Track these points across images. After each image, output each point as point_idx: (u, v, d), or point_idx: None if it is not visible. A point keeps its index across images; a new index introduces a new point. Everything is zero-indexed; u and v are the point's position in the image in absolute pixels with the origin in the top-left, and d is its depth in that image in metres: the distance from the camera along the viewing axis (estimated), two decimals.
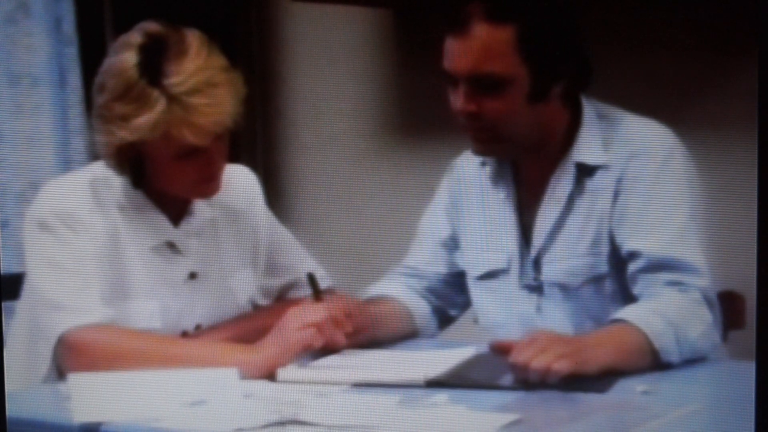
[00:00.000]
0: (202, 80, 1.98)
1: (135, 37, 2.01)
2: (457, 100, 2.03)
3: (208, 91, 1.98)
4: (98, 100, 2.02)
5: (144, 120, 1.97)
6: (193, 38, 2.01)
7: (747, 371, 1.70)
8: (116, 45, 2.03)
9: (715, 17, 2.35)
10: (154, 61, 1.98)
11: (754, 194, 1.69)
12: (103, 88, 2.01)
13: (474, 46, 2.00)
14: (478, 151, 2.12)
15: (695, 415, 1.68)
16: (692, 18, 2.37)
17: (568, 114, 2.09)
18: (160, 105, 1.97)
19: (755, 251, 1.70)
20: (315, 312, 2.02)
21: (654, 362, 1.90)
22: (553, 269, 2.10)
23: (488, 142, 2.07)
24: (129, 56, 1.99)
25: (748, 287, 1.80)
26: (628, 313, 1.93)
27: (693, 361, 1.94)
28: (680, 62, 2.40)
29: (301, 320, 1.99)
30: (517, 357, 1.84)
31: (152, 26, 2.02)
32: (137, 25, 2.03)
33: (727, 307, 2.06)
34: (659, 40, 2.40)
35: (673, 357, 1.91)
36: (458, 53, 2.01)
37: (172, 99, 1.97)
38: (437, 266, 2.25)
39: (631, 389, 1.79)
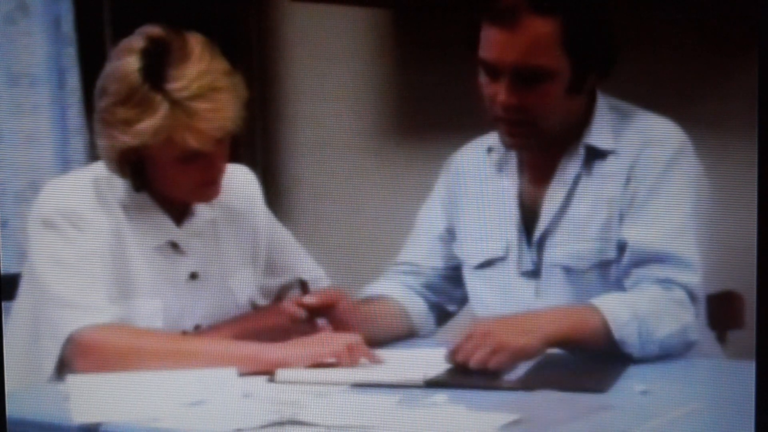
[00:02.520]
0: (205, 85, 1.97)
1: (137, 41, 2.01)
2: (498, 92, 2.01)
3: (211, 95, 1.98)
4: (100, 105, 2.02)
5: (146, 125, 1.97)
6: (196, 42, 2.00)
7: (747, 371, 1.70)
8: (118, 49, 2.02)
9: (715, 17, 2.35)
10: (157, 65, 1.97)
11: (754, 194, 1.69)
12: (105, 92, 2.01)
13: (522, 39, 1.98)
14: (510, 145, 2.11)
15: (695, 415, 1.68)
16: (692, 18, 2.37)
17: (585, 104, 2.09)
18: (163, 110, 1.96)
19: (755, 251, 1.70)
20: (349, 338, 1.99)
21: (612, 348, 1.92)
22: (558, 252, 2.09)
23: (523, 135, 2.06)
24: (131, 61, 1.98)
25: (748, 287, 1.80)
26: (599, 299, 1.96)
27: (692, 360, 1.95)
28: (680, 62, 2.40)
29: (341, 340, 1.98)
30: (458, 357, 1.90)
31: (154, 30, 2.01)
32: (139, 29, 2.03)
33: (727, 307, 2.06)
34: (659, 39, 2.40)
35: (633, 350, 1.93)
36: (504, 45, 1.99)
37: (175, 104, 1.96)
38: (434, 260, 2.25)
39: (631, 389, 1.79)
